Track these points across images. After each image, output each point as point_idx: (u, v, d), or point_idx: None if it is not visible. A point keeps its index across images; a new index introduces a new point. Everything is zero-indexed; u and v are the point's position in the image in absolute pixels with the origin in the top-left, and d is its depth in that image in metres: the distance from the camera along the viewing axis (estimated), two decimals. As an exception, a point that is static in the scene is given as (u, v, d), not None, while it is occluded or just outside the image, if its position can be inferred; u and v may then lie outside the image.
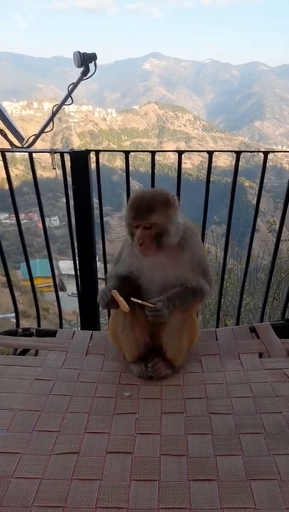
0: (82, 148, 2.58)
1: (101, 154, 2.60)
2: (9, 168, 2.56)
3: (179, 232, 1.90)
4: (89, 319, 2.92)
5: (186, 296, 1.92)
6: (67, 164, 2.56)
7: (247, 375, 2.02)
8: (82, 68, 2.57)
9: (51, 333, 2.44)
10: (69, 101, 2.68)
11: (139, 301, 1.86)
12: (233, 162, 2.62)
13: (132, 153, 2.70)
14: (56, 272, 3.14)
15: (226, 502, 1.32)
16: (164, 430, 1.65)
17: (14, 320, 2.84)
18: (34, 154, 2.61)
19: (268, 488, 1.36)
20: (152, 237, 1.82)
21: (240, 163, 2.61)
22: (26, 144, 2.70)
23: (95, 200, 2.71)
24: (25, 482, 1.39)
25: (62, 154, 2.54)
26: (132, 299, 1.87)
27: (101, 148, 2.81)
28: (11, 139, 2.65)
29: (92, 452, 1.53)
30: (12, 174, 2.61)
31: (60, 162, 2.56)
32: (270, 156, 2.64)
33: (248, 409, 1.77)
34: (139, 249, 1.82)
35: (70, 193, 2.62)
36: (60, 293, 3.15)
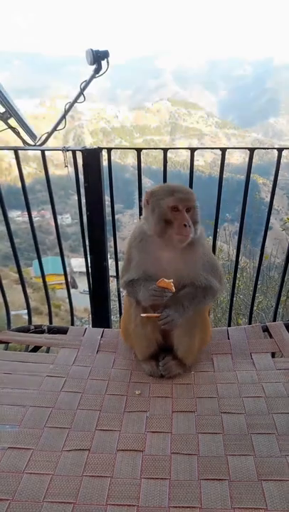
0: (94, 146, 2.58)
1: (113, 152, 2.60)
2: (22, 166, 2.58)
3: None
4: (100, 317, 2.93)
5: (196, 296, 1.90)
6: (79, 162, 2.57)
7: (259, 375, 2.00)
8: (94, 66, 2.57)
9: (63, 330, 2.45)
10: (81, 99, 2.68)
11: (149, 315, 1.87)
12: (247, 159, 2.59)
13: (144, 151, 2.70)
14: (68, 269, 3.16)
15: (237, 502, 1.31)
16: (175, 429, 1.65)
17: (26, 317, 2.87)
18: (46, 152, 2.62)
19: (279, 489, 1.35)
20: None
21: (253, 160, 2.58)
22: (39, 142, 2.71)
23: (107, 198, 2.71)
24: (36, 478, 1.40)
25: (74, 152, 2.55)
26: (141, 315, 1.88)
27: (113, 146, 2.81)
28: (24, 137, 2.67)
29: (103, 449, 1.54)
30: (24, 172, 2.63)
31: (72, 160, 2.57)
32: (285, 152, 2.60)
33: (259, 409, 1.75)
34: (185, 231, 1.79)
35: (82, 190, 2.63)
36: (72, 290, 3.17)
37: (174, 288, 1.82)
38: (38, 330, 2.52)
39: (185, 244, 1.83)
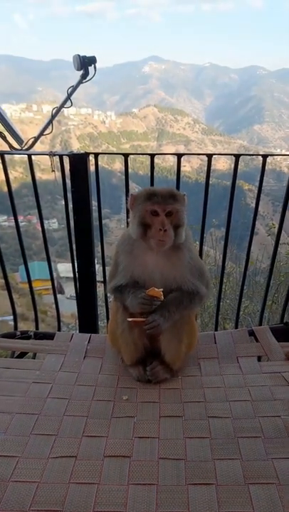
0: (82, 151, 2.58)
1: (100, 157, 2.61)
2: (8, 171, 2.56)
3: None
4: (87, 322, 2.91)
5: (182, 301, 1.91)
6: (67, 167, 2.57)
7: (246, 379, 2.01)
8: (81, 71, 2.58)
9: (49, 336, 2.43)
10: (68, 104, 2.68)
11: (135, 319, 1.88)
12: (232, 165, 2.62)
13: (131, 156, 2.71)
14: (54, 274, 3.14)
15: (224, 506, 1.31)
16: (163, 434, 1.64)
17: (12, 323, 2.84)
18: (33, 157, 2.62)
19: (266, 493, 1.36)
20: (172, 227, 1.82)
21: (239, 167, 2.62)
22: (25, 147, 2.70)
23: (94, 203, 2.71)
24: (22, 486, 1.38)
25: (61, 157, 2.55)
26: (128, 319, 1.89)
27: (100, 151, 2.82)
28: (10, 142, 2.66)
29: (90, 456, 1.52)
30: (11, 176, 2.62)
31: (59, 164, 2.56)
32: (269, 159, 2.65)
33: (246, 413, 1.76)
34: (160, 235, 1.78)
35: (69, 195, 2.63)
36: (59, 296, 3.15)
37: (162, 297, 1.83)
38: (25, 336, 2.49)
39: (164, 248, 1.83)
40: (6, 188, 2.57)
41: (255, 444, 1.58)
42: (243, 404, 1.81)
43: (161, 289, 1.84)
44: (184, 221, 1.87)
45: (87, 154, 2.55)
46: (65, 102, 2.68)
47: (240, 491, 1.37)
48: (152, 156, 2.61)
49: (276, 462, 1.48)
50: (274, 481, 1.40)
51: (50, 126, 2.71)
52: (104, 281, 2.72)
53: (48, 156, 2.55)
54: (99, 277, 2.91)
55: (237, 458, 1.51)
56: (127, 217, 2.53)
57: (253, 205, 2.75)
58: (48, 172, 2.58)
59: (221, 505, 1.31)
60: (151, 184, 2.60)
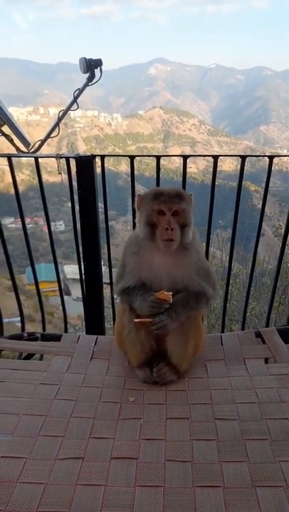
0: (88, 153, 2.59)
1: (106, 159, 2.62)
2: (15, 173, 2.58)
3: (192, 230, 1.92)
4: (94, 323, 2.92)
5: (189, 301, 1.91)
6: (73, 169, 2.58)
7: (252, 381, 2.00)
8: (87, 74, 2.59)
9: (56, 338, 2.44)
10: (75, 106, 2.70)
11: (142, 320, 1.88)
12: (239, 166, 2.62)
13: (137, 158, 2.72)
14: (61, 276, 3.15)
15: (232, 509, 1.31)
16: (169, 436, 1.64)
17: (19, 324, 2.85)
18: (40, 159, 2.63)
19: (273, 495, 1.35)
20: (179, 226, 1.82)
21: (245, 168, 2.61)
22: (32, 149, 2.72)
23: (100, 205, 2.72)
24: (29, 487, 1.39)
25: (67, 159, 2.56)
26: (135, 320, 1.90)
27: (106, 153, 2.84)
28: (18, 145, 2.68)
29: (97, 457, 1.52)
30: (18, 179, 2.64)
31: (65, 167, 2.58)
32: (276, 160, 2.64)
33: (253, 415, 1.75)
34: (167, 234, 1.79)
35: (76, 197, 2.64)
36: (65, 297, 3.16)
37: (172, 300, 1.83)
38: (32, 337, 2.50)
39: (172, 248, 1.83)
40: (13, 191, 2.59)
41: (263, 446, 1.57)
42: (250, 407, 1.81)
43: (171, 293, 1.84)
44: (190, 221, 1.88)
45: (93, 156, 2.57)
46: (71, 104, 2.70)
47: (248, 494, 1.36)
48: (158, 157, 2.62)
49: (284, 465, 1.47)
50: (281, 484, 1.39)
51: (56, 129, 2.73)
52: (110, 283, 2.73)
53: (54, 159, 2.56)
54: (105, 279, 2.92)
55: (244, 460, 1.50)
56: (134, 218, 2.54)
57: (260, 206, 2.74)
58: (54, 174, 2.59)
59: (228, 508, 1.31)
60: (157, 186, 2.61)
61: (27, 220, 2.78)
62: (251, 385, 1.97)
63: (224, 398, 1.87)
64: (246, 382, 1.99)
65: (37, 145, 2.73)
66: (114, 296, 2.89)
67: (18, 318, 2.88)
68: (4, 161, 2.57)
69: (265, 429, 1.66)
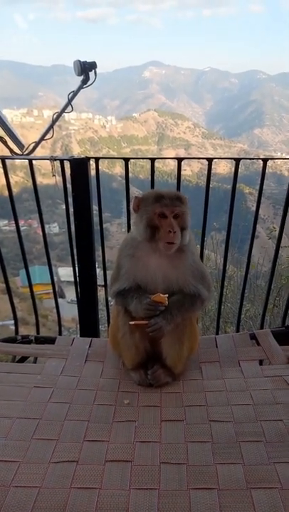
0: (82, 156, 2.59)
1: (101, 161, 2.62)
2: (9, 175, 2.57)
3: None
4: (88, 326, 2.91)
5: (184, 303, 1.91)
6: (67, 171, 2.57)
7: (247, 383, 2.01)
8: (82, 76, 2.59)
9: (50, 340, 2.43)
10: (69, 109, 2.70)
11: (137, 322, 1.88)
12: (233, 169, 2.63)
13: (132, 160, 2.72)
14: (55, 278, 3.14)
15: (227, 511, 1.31)
16: (164, 438, 1.64)
17: (13, 327, 2.83)
18: (34, 161, 2.62)
19: (268, 497, 1.35)
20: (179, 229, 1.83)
21: (239, 170, 2.62)
22: (26, 151, 2.71)
23: (95, 207, 2.71)
24: (23, 491, 1.38)
25: (62, 161, 2.56)
26: (130, 323, 1.89)
27: (101, 156, 2.83)
28: (11, 146, 2.67)
29: (91, 460, 1.52)
30: (12, 181, 2.62)
31: (59, 169, 2.57)
32: (270, 163, 2.66)
33: (248, 417, 1.75)
34: (170, 237, 1.80)
35: (70, 200, 2.63)
36: (59, 300, 3.14)
37: (167, 302, 1.84)
38: (25, 340, 2.49)
39: (173, 250, 1.84)
40: (7, 193, 2.58)
41: (257, 448, 1.57)
42: (245, 408, 1.81)
43: (167, 295, 1.85)
44: (188, 223, 1.90)
45: (87, 159, 2.56)
46: (65, 107, 2.70)
47: (243, 496, 1.36)
48: (153, 160, 2.62)
49: (278, 466, 1.48)
50: (276, 486, 1.40)
51: (50, 131, 2.73)
52: (105, 285, 2.72)
53: (48, 161, 2.56)
54: (100, 281, 2.91)
55: (239, 462, 1.50)
56: (128, 220, 2.53)
57: (254, 208, 2.76)
58: (48, 177, 2.59)
59: (223, 510, 1.31)
60: (152, 188, 2.61)
61: (21, 223, 2.77)
62: (246, 386, 1.98)
63: (219, 400, 1.87)
64: (241, 384, 1.99)
65: (31, 147, 2.72)
66: (109, 299, 2.88)
67: (12, 321, 2.86)
68: (-3, 162, 2.56)
69: (259, 431, 1.66)
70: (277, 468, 1.47)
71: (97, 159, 2.61)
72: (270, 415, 1.76)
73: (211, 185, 2.69)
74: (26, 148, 2.71)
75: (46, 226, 2.86)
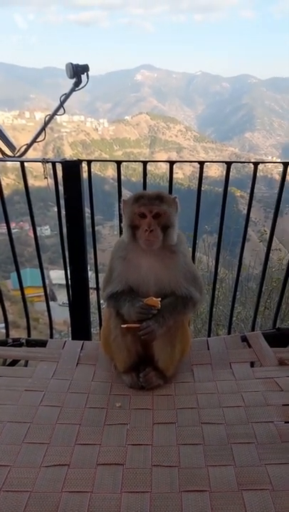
0: (74, 158, 2.59)
1: (93, 164, 2.62)
2: (0, 177, 2.56)
3: (176, 233, 1.92)
4: (80, 329, 2.90)
5: (176, 306, 1.91)
6: (59, 174, 2.57)
7: (238, 385, 2.01)
8: (74, 79, 2.60)
9: (41, 343, 2.41)
10: (61, 111, 2.70)
11: (129, 325, 1.88)
12: (224, 172, 2.65)
13: (124, 163, 2.73)
14: (47, 281, 3.12)
15: (218, 513, 1.31)
16: (156, 441, 1.64)
17: (4, 330, 2.82)
18: (26, 163, 2.62)
19: (259, 499, 1.36)
20: (160, 228, 1.83)
21: (231, 174, 2.64)
22: (18, 153, 2.70)
23: (87, 210, 2.71)
24: (14, 495, 1.37)
25: (54, 164, 2.55)
26: (122, 325, 1.90)
27: (93, 158, 2.84)
28: (3, 148, 2.66)
29: (82, 464, 1.51)
30: (3, 183, 2.61)
31: (51, 171, 2.57)
32: (261, 166, 2.68)
33: (239, 419, 1.76)
34: (146, 236, 1.81)
35: (62, 202, 2.63)
36: (51, 303, 3.13)
37: (160, 305, 1.84)
38: (16, 343, 2.47)
39: (152, 247, 1.85)
40: (-2, 195, 2.57)
41: (249, 450, 1.58)
42: (236, 410, 1.82)
43: (159, 299, 1.86)
44: (173, 222, 1.89)
45: (79, 161, 2.56)
46: (57, 109, 2.70)
47: (234, 497, 1.36)
48: (145, 163, 2.63)
49: (269, 468, 1.48)
50: (267, 487, 1.40)
51: (42, 134, 2.73)
52: (97, 288, 2.72)
53: (40, 163, 2.55)
54: (92, 284, 2.91)
55: (230, 464, 1.51)
56: (120, 223, 2.54)
57: (245, 211, 2.78)
58: (40, 179, 2.58)
59: (215, 512, 1.31)
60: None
61: (12, 225, 2.75)
62: (237, 388, 1.98)
63: (210, 402, 1.88)
64: (232, 386, 2.00)
65: (23, 149, 2.71)
66: (101, 302, 2.88)
67: (3, 324, 2.85)
68: (-11, 165, 2.56)
69: (251, 433, 1.67)
70: (268, 470, 1.48)
71: (89, 162, 2.61)
72: (261, 417, 1.77)
73: (202, 188, 2.71)
74: (18, 151, 2.71)
75: (38, 229, 2.86)
